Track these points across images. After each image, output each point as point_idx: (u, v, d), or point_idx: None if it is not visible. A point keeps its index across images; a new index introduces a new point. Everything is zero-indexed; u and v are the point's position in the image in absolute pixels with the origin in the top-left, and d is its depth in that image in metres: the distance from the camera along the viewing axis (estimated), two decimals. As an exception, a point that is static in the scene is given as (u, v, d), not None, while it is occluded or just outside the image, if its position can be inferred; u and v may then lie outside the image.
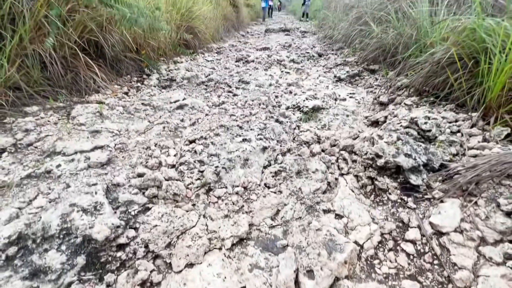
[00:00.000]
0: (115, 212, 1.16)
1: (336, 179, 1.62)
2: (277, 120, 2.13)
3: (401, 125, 1.76)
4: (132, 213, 1.21)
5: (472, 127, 1.66)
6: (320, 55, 4.79)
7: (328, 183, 1.57)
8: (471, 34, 1.89)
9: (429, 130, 1.60)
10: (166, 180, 1.39)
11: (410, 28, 2.88)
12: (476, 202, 1.19)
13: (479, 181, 1.26)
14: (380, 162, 1.50)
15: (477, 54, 1.84)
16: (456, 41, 1.97)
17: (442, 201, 1.26)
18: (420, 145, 1.53)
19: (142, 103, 2.41)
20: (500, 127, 1.57)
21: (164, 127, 2.03)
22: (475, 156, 1.45)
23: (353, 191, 1.53)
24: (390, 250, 1.15)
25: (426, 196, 1.32)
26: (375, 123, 2.22)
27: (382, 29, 3.53)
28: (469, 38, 1.90)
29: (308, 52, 4.96)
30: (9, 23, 2.11)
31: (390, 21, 3.31)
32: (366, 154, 1.62)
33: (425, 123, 1.64)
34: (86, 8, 2.56)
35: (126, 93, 2.67)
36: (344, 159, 1.75)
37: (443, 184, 1.33)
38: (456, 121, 1.74)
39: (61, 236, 1.01)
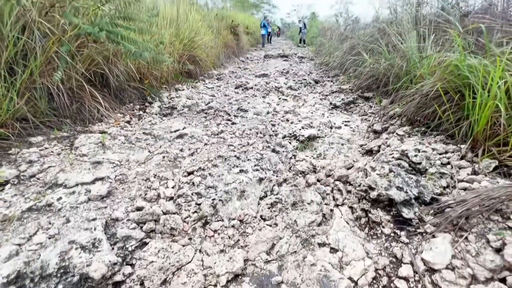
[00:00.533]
0: (113, 249, 1.18)
1: (331, 210, 1.64)
2: (273, 150, 2.19)
3: (393, 157, 1.82)
4: (129, 248, 1.23)
5: (461, 159, 1.71)
6: (316, 82, 4.98)
7: (323, 215, 1.60)
8: (455, 69, 2.01)
9: (420, 163, 1.65)
10: (164, 213, 1.42)
11: (401, 60, 3.04)
12: (466, 238, 1.22)
13: (469, 215, 1.29)
14: (373, 194, 1.53)
15: (462, 88, 1.95)
16: (442, 76, 2.09)
17: (434, 236, 1.28)
18: (412, 178, 1.57)
19: (144, 132, 2.50)
20: (488, 160, 1.63)
21: (164, 157, 2.09)
22: (465, 189, 1.49)
23: (348, 223, 1.55)
24: (384, 287, 1.16)
25: (418, 230, 1.35)
26: (369, 152, 2.28)
27: (374, 59, 3.71)
28: (454, 73, 2.02)
29: (305, 79, 5.15)
30: (21, 59, 2.25)
31: (381, 52, 3.50)
32: (359, 185, 1.67)
33: (416, 155, 1.69)
34: (94, 43, 2.73)
35: (128, 122, 2.76)
36: (339, 190, 1.79)
37: (434, 218, 1.36)
38: (446, 152, 1.80)
39: (59, 274, 1.02)
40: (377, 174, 1.64)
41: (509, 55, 1.82)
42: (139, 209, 1.43)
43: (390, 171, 1.64)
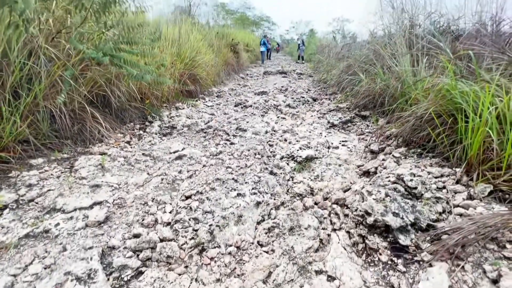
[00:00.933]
0: (108, 279, 1.18)
1: (329, 235, 1.64)
2: (271, 172, 2.21)
3: (389, 180, 1.83)
4: (125, 278, 1.22)
5: (457, 183, 1.73)
6: (314, 100, 5.07)
7: (321, 240, 1.60)
8: (447, 94, 2.07)
9: (415, 188, 1.67)
10: (161, 240, 1.42)
11: (396, 81, 3.12)
12: (463, 267, 1.21)
13: (465, 243, 1.29)
14: (370, 220, 1.54)
15: (455, 112, 2.00)
16: (435, 100, 2.14)
17: (430, 265, 1.28)
18: (408, 203, 1.59)
19: (143, 153, 2.52)
20: (483, 184, 1.64)
21: (162, 179, 2.10)
22: (460, 215, 1.50)
23: (345, 249, 1.54)
24: (381, 319, 1.14)
25: (415, 258, 1.34)
26: (367, 173, 2.29)
27: (370, 79, 3.80)
28: (446, 97, 2.07)
29: (303, 97, 5.25)
30: (26, 83, 2.31)
31: (377, 73, 3.59)
32: (356, 210, 1.67)
33: (411, 180, 1.71)
34: (98, 65, 2.82)
35: (128, 142, 2.80)
36: (336, 214, 1.79)
37: (431, 246, 1.36)
38: (442, 176, 1.82)
39: (53, 308, 1.02)
40: (374, 198, 1.65)
41: (498, 81, 1.88)
42: (136, 236, 1.43)
43: (387, 195, 1.65)
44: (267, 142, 2.89)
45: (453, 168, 1.85)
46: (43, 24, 2.40)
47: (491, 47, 2.03)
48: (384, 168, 2.16)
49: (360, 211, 1.63)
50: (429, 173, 1.84)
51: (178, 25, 5.44)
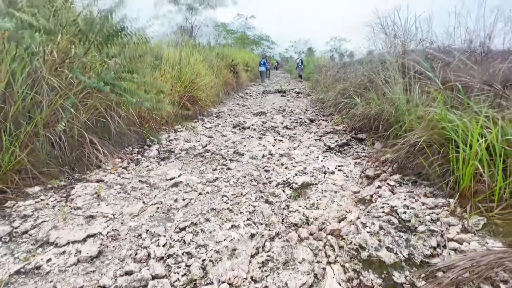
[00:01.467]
0: (97, 322, 1.16)
1: (324, 269, 1.62)
2: (266, 201, 2.21)
3: (383, 211, 1.83)
4: (114, 320, 1.20)
5: (450, 214, 1.73)
6: (311, 121, 5.14)
7: (315, 275, 1.57)
8: (438, 124, 2.12)
9: (409, 220, 1.67)
10: (153, 278, 1.41)
11: (390, 107, 3.19)
12: (458, 309, 1.19)
13: (459, 282, 1.28)
14: (364, 255, 1.53)
15: (445, 142, 2.03)
16: (427, 129, 2.19)
17: (425, 306, 1.26)
18: (402, 236, 1.58)
19: (140, 180, 2.54)
20: (477, 217, 1.64)
21: (157, 208, 2.10)
22: (455, 249, 1.49)
23: (340, 285, 1.52)
24: None
25: (410, 298, 1.32)
26: (362, 201, 2.29)
27: (366, 102, 3.89)
28: (437, 127, 2.12)
29: (301, 118, 5.33)
30: (27, 112, 2.37)
31: (372, 98, 3.68)
32: (351, 243, 1.66)
33: (405, 212, 1.72)
34: (98, 93, 2.90)
35: (126, 168, 2.82)
36: (331, 246, 1.78)
37: (426, 284, 1.35)
38: (436, 206, 1.82)
39: None
40: (368, 232, 1.64)
41: (486, 112, 1.93)
42: (128, 273, 1.42)
43: (381, 228, 1.65)
44: (263, 168, 2.91)
45: (447, 199, 1.86)
46: (47, 55, 2.51)
47: (478, 79, 2.10)
48: (379, 196, 2.16)
49: (355, 244, 1.62)
50: (423, 203, 1.85)
51: (179, 48, 5.63)
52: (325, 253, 1.74)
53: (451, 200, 1.81)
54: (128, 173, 2.71)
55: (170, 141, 3.68)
